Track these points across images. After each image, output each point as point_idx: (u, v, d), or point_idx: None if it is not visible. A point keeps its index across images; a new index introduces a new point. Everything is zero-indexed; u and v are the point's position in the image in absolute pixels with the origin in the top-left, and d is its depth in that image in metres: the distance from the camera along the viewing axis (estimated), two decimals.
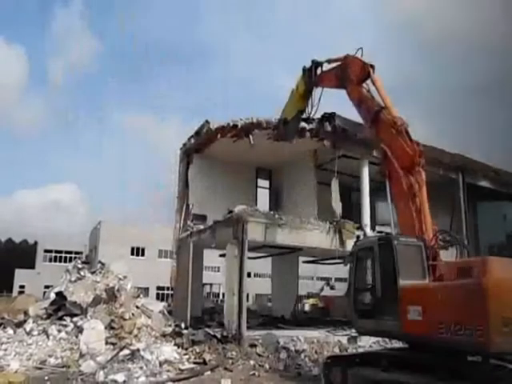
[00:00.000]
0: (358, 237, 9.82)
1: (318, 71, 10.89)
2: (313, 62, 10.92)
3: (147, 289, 34.30)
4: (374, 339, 11.44)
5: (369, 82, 9.10)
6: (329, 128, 14.60)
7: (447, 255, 7.57)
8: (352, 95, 9.38)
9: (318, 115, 12.50)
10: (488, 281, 5.52)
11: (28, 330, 10.96)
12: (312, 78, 10.88)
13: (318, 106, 11.36)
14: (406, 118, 8.22)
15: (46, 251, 46.23)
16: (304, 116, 11.82)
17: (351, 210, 17.24)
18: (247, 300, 15.56)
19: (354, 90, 9.27)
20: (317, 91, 11.14)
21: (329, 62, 10.53)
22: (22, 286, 43.00)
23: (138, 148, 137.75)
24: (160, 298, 33.63)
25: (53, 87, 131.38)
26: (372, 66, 9.00)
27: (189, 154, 17.37)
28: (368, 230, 14.93)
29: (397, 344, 8.82)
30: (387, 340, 10.98)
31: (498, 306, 5.29)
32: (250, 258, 14.34)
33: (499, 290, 5.43)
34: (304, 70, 11.09)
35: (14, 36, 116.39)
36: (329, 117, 14.55)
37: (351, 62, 9.48)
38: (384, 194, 8.32)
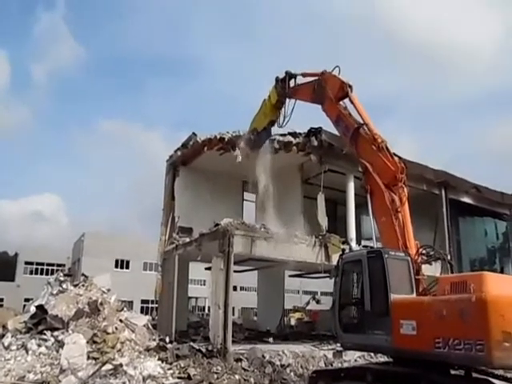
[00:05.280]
0: (343, 250, 9.85)
1: (292, 83, 10.77)
2: (286, 73, 10.79)
3: (131, 302, 33.71)
4: (359, 353, 11.46)
5: (346, 100, 9.06)
6: (315, 143, 14.81)
7: (431, 270, 7.68)
8: (329, 112, 9.32)
9: (290, 126, 12.46)
10: (488, 296, 5.53)
11: (6, 344, 10.62)
12: (285, 89, 10.73)
13: (291, 117, 11.15)
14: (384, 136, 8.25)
15: (27, 263, 45.09)
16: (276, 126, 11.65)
17: (337, 224, 17.41)
18: (233, 314, 15.44)
19: (332, 107, 9.19)
20: (290, 102, 10.98)
21: (304, 75, 10.42)
22: (0, 299, 41.80)
23: (122, 158, 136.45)
24: (144, 311, 33.03)
25: (36, 93, 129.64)
26: (350, 86, 8.92)
27: (175, 166, 17.37)
28: (354, 244, 15.04)
29: (382, 358, 8.86)
30: (372, 354, 11.03)
31: (498, 321, 5.32)
32: (235, 271, 14.28)
33: (499, 305, 5.46)
34: (277, 79, 10.96)
35: None
36: (315, 132, 14.82)
37: (329, 79, 9.36)
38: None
